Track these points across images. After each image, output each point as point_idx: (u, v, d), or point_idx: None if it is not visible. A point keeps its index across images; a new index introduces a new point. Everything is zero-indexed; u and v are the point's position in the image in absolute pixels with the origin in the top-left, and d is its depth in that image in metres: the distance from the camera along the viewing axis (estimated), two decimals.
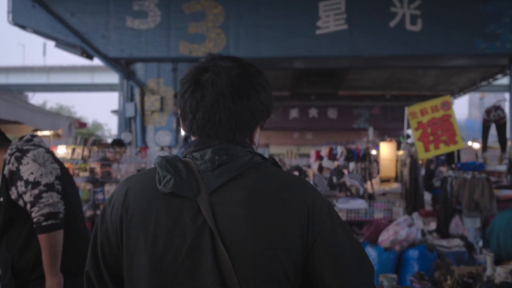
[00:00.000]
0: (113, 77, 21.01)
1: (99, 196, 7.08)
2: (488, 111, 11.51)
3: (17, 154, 2.91)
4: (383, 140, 12.89)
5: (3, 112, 4.83)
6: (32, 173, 2.86)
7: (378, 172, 12.64)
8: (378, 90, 23.92)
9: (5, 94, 5.38)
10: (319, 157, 15.99)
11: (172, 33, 13.11)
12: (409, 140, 11.19)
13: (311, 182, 11.77)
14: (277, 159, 26.44)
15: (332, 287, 1.39)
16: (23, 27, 13.29)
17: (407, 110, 8.78)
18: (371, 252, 5.91)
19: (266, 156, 1.56)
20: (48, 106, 48.52)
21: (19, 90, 33.00)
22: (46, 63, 38.33)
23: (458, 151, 9.62)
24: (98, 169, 7.26)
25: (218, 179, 1.42)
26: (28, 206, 2.85)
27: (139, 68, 13.64)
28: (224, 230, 1.37)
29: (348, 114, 26.23)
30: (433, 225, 8.37)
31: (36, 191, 2.83)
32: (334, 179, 12.44)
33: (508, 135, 11.77)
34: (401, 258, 5.99)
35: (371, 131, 14.30)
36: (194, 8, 13.02)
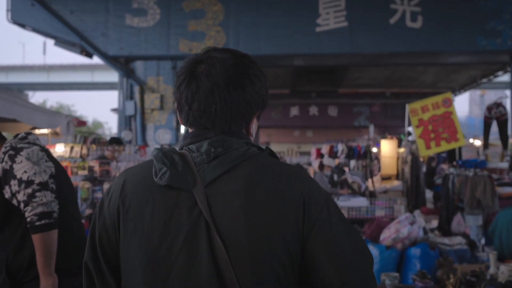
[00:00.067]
0: (113, 76, 21.00)
1: (98, 195, 7.02)
2: (489, 108, 11.47)
3: (11, 152, 2.85)
4: (384, 137, 12.85)
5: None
6: (25, 171, 2.80)
7: (379, 169, 12.60)
8: (378, 88, 23.84)
9: (1, 92, 5.32)
10: (319, 155, 15.92)
11: (171, 31, 13.06)
12: (410, 138, 11.16)
13: None
14: None
15: (330, 276, 1.39)
16: (22, 25, 13.26)
17: (408, 107, 8.75)
18: (372, 250, 5.87)
19: None
20: (48, 104, 48.55)
21: (19, 89, 33.04)
22: (46, 62, 38.33)
23: (460, 148, 9.59)
24: (96, 168, 7.21)
25: (214, 171, 1.43)
26: (22, 205, 2.79)
27: (138, 66, 13.59)
28: (220, 222, 1.38)
29: (349, 112, 26.20)
30: (434, 223, 8.33)
31: (29, 190, 2.77)
32: (335, 177, 12.40)
33: (509, 132, 11.73)
34: (403, 256, 5.96)
35: (371, 128, 14.25)
36: (193, 6, 12.97)
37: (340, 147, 14.03)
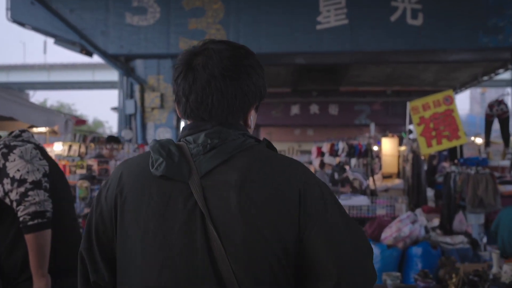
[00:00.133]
0: (114, 75, 20.95)
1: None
2: (491, 106, 11.41)
3: (4, 150, 2.79)
4: (385, 135, 12.81)
5: None
6: (18, 170, 2.74)
7: (380, 168, 12.57)
8: (379, 86, 23.83)
9: None
10: (320, 153, 15.91)
11: (171, 29, 13.02)
12: (411, 136, 11.11)
13: None
14: None
15: (329, 268, 1.37)
16: (22, 24, 13.24)
17: (409, 105, 8.71)
18: (373, 249, 5.82)
19: None
20: (49, 104, 48.61)
21: (20, 88, 33.09)
22: (47, 61, 38.30)
23: (461, 146, 9.54)
24: (95, 166, 7.16)
25: (210, 162, 1.43)
26: (14, 204, 2.72)
27: (138, 65, 13.56)
28: (215, 213, 1.38)
29: (350, 110, 26.18)
30: (436, 222, 8.27)
31: (22, 189, 2.71)
32: (336, 175, 12.36)
33: (511, 129, 11.66)
34: (404, 255, 5.93)
35: (372, 126, 14.24)
36: (193, 4, 12.93)
37: (341, 145, 14.02)
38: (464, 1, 12.58)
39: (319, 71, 20.54)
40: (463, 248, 6.19)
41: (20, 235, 2.75)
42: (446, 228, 7.73)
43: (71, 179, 7.24)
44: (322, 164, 13.59)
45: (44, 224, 2.71)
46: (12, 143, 2.84)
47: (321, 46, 12.83)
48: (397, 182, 11.10)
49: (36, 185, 2.75)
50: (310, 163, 18.82)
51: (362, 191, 9.83)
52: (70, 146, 7.54)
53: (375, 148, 13.06)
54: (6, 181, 2.74)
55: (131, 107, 13.35)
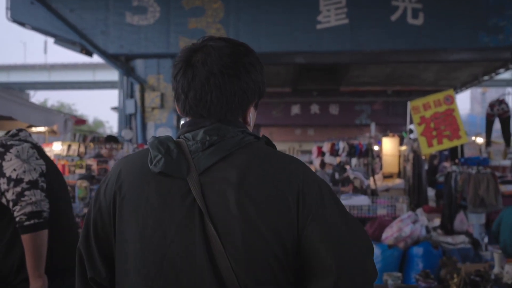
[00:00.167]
0: (115, 75, 20.93)
1: None
2: (491, 105, 11.39)
3: (0, 149, 2.77)
4: (386, 135, 12.78)
5: None
6: (14, 169, 2.72)
7: (381, 168, 12.54)
8: (379, 86, 23.80)
9: None
10: (321, 153, 15.89)
11: (171, 29, 13.00)
12: (412, 135, 11.09)
13: None
14: None
15: (328, 264, 1.36)
16: (22, 24, 13.21)
17: (409, 105, 8.68)
18: (374, 249, 5.80)
19: None
20: (49, 103, 48.63)
21: (21, 88, 33.15)
22: (48, 61, 38.43)
23: (462, 146, 9.52)
24: (94, 166, 7.13)
25: (209, 159, 1.43)
26: (11, 204, 2.70)
27: (138, 65, 13.52)
28: (214, 210, 1.38)
29: (350, 110, 26.14)
30: (437, 222, 8.25)
31: (18, 189, 2.69)
32: (337, 175, 12.34)
33: None
34: (405, 255, 5.90)
35: (373, 126, 14.21)
36: (193, 4, 12.90)
37: (342, 145, 14.00)
38: (464, 1, 12.55)
39: (319, 71, 20.52)
40: (464, 248, 6.16)
41: (16, 236, 2.73)
42: (447, 228, 7.71)
43: (70, 178, 7.20)
44: (323, 164, 13.59)
45: (40, 225, 2.68)
46: (8, 142, 2.82)
47: (321, 46, 12.80)
48: (398, 182, 11.07)
49: (33, 184, 2.72)
50: (311, 163, 18.81)
51: (363, 191, 9.80)
52: (69, 146, 7.50)
53: (376, 148, 13.03)
54: (2, 180, 2.71)
55: (131, 107, 13.32)
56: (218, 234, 1.35)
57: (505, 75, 19.08)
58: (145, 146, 8.99)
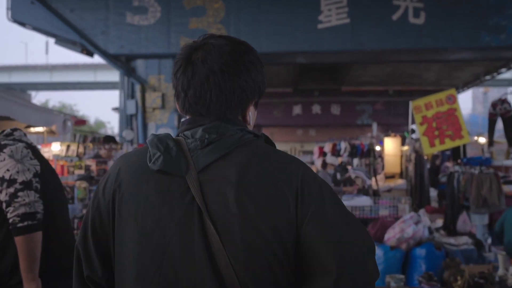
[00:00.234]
0: (116, 75, 20.92)
1: None
2: (494, 105, 11.32)
3: None
4: (387, 135, 12.73)
5: None
6: (8, 170, 2.67)
7: (383, 168, 12.48)
8: (381, 86, 23.78)
9: None
10: (322, 154, 15.83)
11: (172, 29, 12.95)
12: (414, 135, 11.05)
13: None
14: None
15: (329, 264, 1.35)
16: (22, 24, 13.17)
17: (411, 104, 8.64)
18: (376, 251, 5.75)
19: None
20: (51, 104, 48.64)
21: (22, 89, 33.21)
22: (49, 62, 38.56)
23: (464, 146, 9.47)
24: (93, 167, 7.09)
25: (208, 157, 1.44)
26: (4, 205, 2.65)
27: (139, 65, 13.48)
28: (213, 208, 1.38)
29: (351, 110, 26.10)
30: (439, 222, 8.20)
31: (11, 190, 2.63)
32: (338, 176, 12.29)
33: None
34: (408, 256, 5.86)
35: (375, 126, 14.16)
36: (194, 3, 12.85)
37: (343, 145, 13.95)
38: (466, 0, 12.49)
39: (319, 71, 20.49)
40: (468, 249, 6.11)
41: (10, 237, 2.67)
42: (450, 228, 7.65)
43: (69, 179, 7.17)
44: (325, 164, 13.54)
45: (34, 226, 2.63)
46: (2, 142, 2.77)
47: (322, 45, 12.75)
48: (400, 182, 11.01)
49: (26, 185, 2.67)
50: (313, 163, 18.77)
51: (365, 191, 9.75)
52: (68, 146, 7.45)
53: (378, 148, 12.97)
54: None
55: (132, 107, 13.28)
56: (218, 232, 1.35)
57: (506, 74, 19.04)
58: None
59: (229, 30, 12.80)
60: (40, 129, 7.14)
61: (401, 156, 11.79)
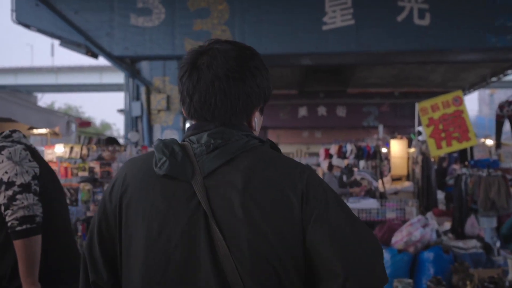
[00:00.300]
0: (121, 77, 20.91)
1: (99, 197, 6.79)
2: (501, 106, 11.22)
3: None
4: (394, 137, 12.65)
5: None
6: (6, 172, 2.61)
7: (389, 170, 12.41)
8: (386, 87, 23.72)
9: None
10: (328, 156, 15.77)
11: (176, 30, 12.92)
12: (420, 137, 10.97)
13: None
14: None
15: (335, 268, 1.34)
16: (27, 25, 13.17)
17: (417, 106, 8.58)
18: (383, 254, 5.69)
19: None
20: (56, 106, 48.77)
21: (28, 91, 33.36)
22: (55, 64, 38.55)
23: (471, 148, 9.41)
24: (97, 169, 7.05)
25: (213, 162, 1.44)
26: (2, 208, 2.59)
27: (144, 67, 13.46)
28: (219, 213, 1.38)
29: (357, 112, 26.02)
30: (447, 225, 8.13)
31: (10, 192, 2.58)
32: (344, 178, 12.22)
33: None
34: (416, 260, 5.78)
35: (381, 128, 14.09)
36: (198, 5, 12.82)
37: (349, 147, 13.87)
38: (471, 1, 12.41)
39: (325, 72, 20.45)
40: (476, 253, 6.03)
41: (10, 241, 2.61)
42: (458, 231, 7.58)
43: (73, 181, 7.13)
44: (331, 167, 13.46)
45: (33, 230, 2.57)
46: (0, 144, 2.72)
47: (327, 47, 12.69)
48: (407, 184, 10.94)
49: (25, 188, 2.62)
50: (318, 165, 18.71)
51: (372, 193, 9.68)
52: (71, 148, 7.40)
53: (384, 150, 12.89)
54: None
55: (137, 109, 13.25)
56: (224, 237, 1.35)
57: None
58: (149, 149, 8.92)
59: (233, 31, 12.76)
60: (43, 130, 7.10)
61: (408, 158, 11.73)
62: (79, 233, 5.42)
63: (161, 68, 13.33)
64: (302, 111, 26.16)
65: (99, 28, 12.97)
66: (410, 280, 4.37)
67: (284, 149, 31.62)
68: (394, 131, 18.25)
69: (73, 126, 6.83)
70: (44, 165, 2.85)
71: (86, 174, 7.06)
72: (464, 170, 8.11)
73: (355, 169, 12.94)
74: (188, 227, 1.39)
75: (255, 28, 12.74)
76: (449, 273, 5.04)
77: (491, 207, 7.09)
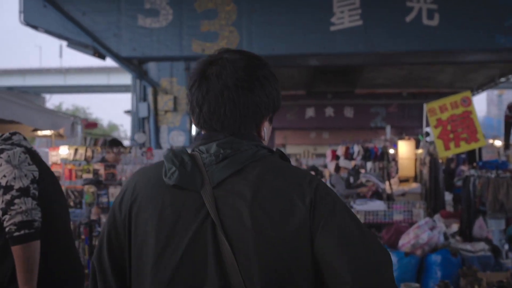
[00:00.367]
0: (128, 78, 20.91)
1: (104, 199, 6.79)
2: (510, 107, 11.17)
3: None
4: (401, 138, 12.58)
5: None
6: (4, 176, 2.56)
7: (397, 171, 12.34)
8: (394, 88, 23.64)
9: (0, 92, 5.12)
10: (335, 157, 15.71)
11: (184, 31, 12.91)
12: (428, 138, 10.91)
13: (328, 182, 11.51)
14: (293, 159, 26.25)
15: (343, 275, 1.33)
16: (35, 27, 13.20)
17: (425, 107, 8.52)
18: (391, 257, 5.64)
19: None
20: (64, 107, 48.93)
21: (36, 92, 33.50)
22: (63, 65, 38.74)
23: (480, 149, 9.34)
24: (102, 171, 7.03)
25: (222, 172, 1.43)
26: (0, 213, 2.56)
27: (151, 68, 13.46)
28: (227, 223, 1.38)
29: (365, 113, 25.92)
30: (454, 227, 8.05)
31: (8, 197, 2.53)
32: (351, 179, 12.17)
33: None
34: (423, 263, 5.73)
35: (388, 129, 14.03)
36: (206, 6, 12.80)
37: (356, 148, 13.82)
38: (480, 1, 12.34)
39: (333, 73, 20.38)
40: (485, 256, 5.97)
41: (7, 247, 2.56)
42: (466, 234, 7.51)
43: (78, 183, 7.11)
44: (338, 168, 13.41)
45: (31, 235, 2.52)
46: (0, 147, 2.68)
47: (335, 48, 12.65)
48: (414, 186, 10.87)
49: (23, 192, 2.57)
50: (325, 166, 18.65)
51: (379, 194, 9.62)
52: (76, 150, 7.37)
53: (391, 151, 12.83)
54: None
55: (144, 110, 13.26)
56: (232, 248, 1.35)
57: None
58: (154, 150, 8.89)
59: (241, 32, 12.73)
60: (47, 132, 7.06)
61: (415, 160, 11.65)
62: (82, 236, 5.37)
63: (168, 69, 13.33)
64: (310, 112, 26.10)
65: (107, 29, 12.98)
66: (417, 285, 4.32)
67: (291, 150, 31.60)
68: (401, 132, 18.16)
69: (78, 128, 6.80)
70: (44, 167, 2.80)
71: (90, 176, 7.04)
72: (472, 171, 8.05)
73: (362, 171, 12.89)
74: (197, 237, 1.39)
75: (262, 28, 12.71)
76: (457, 277, 4.99)
77: (499, 209, 7.02)
